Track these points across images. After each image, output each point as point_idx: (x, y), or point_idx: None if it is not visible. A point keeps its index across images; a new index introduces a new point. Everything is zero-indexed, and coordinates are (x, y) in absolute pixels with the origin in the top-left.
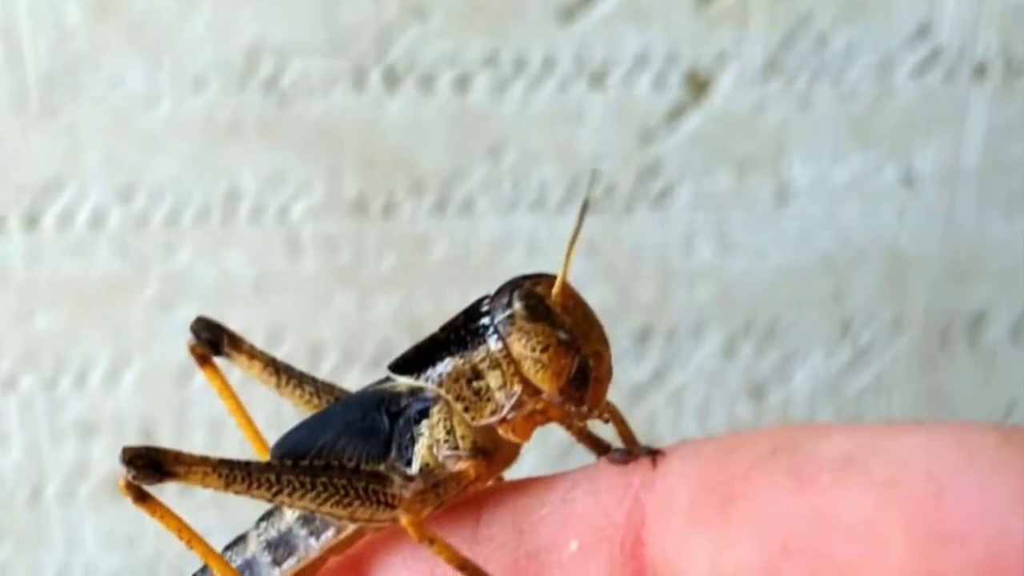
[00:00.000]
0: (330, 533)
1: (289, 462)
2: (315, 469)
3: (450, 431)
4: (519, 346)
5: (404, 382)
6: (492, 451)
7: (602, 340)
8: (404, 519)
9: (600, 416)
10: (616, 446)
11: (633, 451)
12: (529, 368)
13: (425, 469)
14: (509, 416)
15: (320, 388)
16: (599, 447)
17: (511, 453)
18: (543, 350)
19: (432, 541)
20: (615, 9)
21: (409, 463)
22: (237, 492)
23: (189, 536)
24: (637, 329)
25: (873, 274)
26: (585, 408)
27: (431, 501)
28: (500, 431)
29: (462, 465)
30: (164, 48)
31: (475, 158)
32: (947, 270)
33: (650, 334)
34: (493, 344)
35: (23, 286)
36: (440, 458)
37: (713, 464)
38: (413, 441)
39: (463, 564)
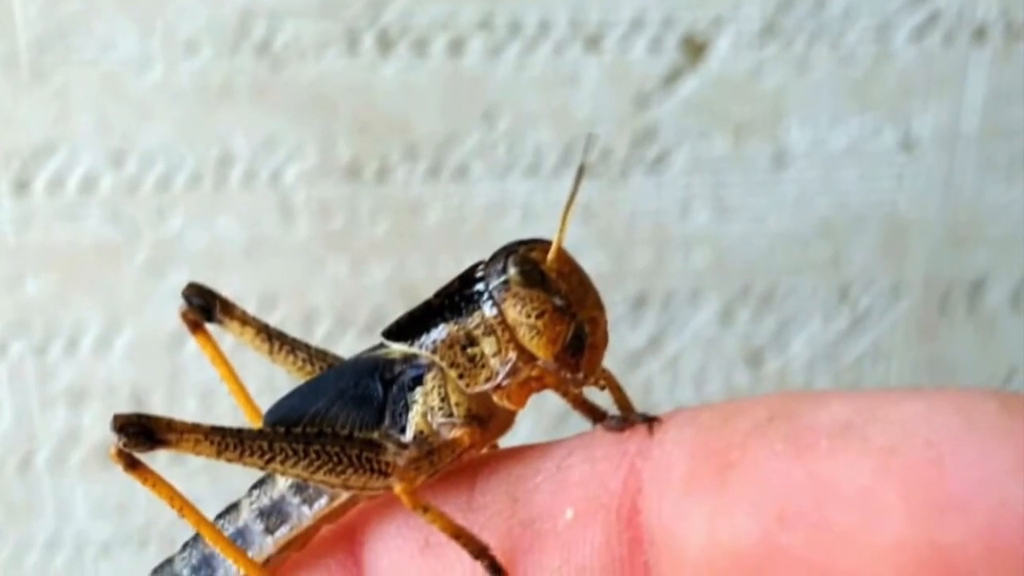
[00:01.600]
0: (323, 501)
1: (282, 429)
2: (308, 437)
3: (444, 398)
4: (514, 312)
5: (398, 349)
6: (487, 418)
7: (598, 306)
8: (398, 487)
9: (596, 383)
10: (612, 413)
11: (629, 418)
12: (524, 334)
13: (419, 437)
14: (504, 383)
15: (313, 355)
16: (595, 414)
17: (506, 420)
18: (538, 316)
19: (426, 509)
20: None
21: (403, 430)
22: (229, 460)
23: (181, 504)
24: (633, 295)
25: (872, 239)
26: (581, 375)
27: (425, 469)
28: (495, 398)
29: (456, 432)
30: (156, 12)
31: (469, 123)
32: (946, 235)
33: (646, 300)
34: (488, 310)
35: (13, 251)
36: (434, 425)
37: (710, 432)
38: (407, 408)
39: (457, 532)
